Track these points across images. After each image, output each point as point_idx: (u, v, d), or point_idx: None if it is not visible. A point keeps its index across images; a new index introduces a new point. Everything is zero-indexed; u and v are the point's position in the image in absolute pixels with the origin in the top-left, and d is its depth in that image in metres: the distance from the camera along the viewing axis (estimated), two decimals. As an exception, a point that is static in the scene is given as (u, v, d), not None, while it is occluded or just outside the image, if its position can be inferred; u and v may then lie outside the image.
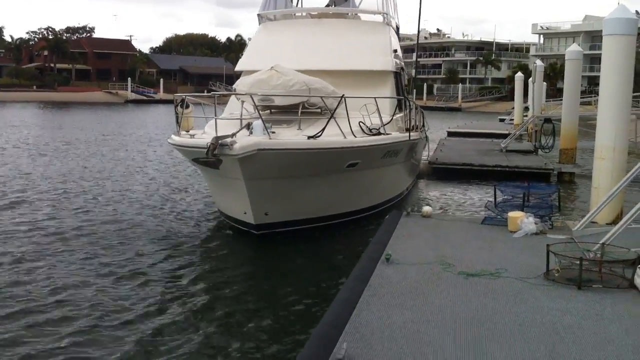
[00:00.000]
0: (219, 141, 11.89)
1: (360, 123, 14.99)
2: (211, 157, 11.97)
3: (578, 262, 9.31)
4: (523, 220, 12.57)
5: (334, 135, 13.80)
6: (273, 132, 12.94)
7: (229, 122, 13.81)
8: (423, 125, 20.74)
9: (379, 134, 15.58)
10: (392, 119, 17.15)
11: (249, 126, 12.97)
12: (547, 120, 32.17)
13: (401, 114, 18.69)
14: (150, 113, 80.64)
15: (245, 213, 13.81)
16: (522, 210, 13.23)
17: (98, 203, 19.41)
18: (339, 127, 13.91)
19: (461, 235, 12.54)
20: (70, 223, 16.47)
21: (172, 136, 15.22)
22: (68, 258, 13.28)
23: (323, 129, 13.48)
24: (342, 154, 14.27)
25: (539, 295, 8.86)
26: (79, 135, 44.73)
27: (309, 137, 13.38)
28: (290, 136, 13.64)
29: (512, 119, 55.40)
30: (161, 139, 39.68)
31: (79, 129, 51.11)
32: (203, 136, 14.13)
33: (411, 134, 18.21)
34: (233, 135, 12.28)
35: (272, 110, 15.38)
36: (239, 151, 12.03)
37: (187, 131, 14.86)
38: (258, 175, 12.93)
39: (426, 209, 14.21)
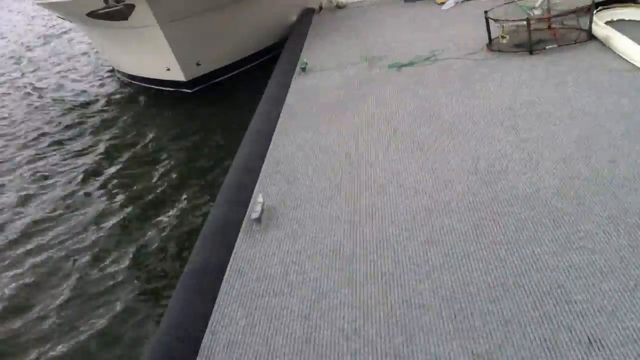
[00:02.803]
0: None
1: None
2: (114, 5, 8.70)
3: (525, 23, 7.55)
4: (451, -11, 10.56)
5: None
6: None
7: None
8: None
9: None
10: None
11: None
12: None
13: None
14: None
15: (168, 69, 10.30)
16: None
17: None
18: None
19: (384, 20, 10.50)
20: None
21: None
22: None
23: None
24: None
25: (487, 72, 7.16)
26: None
27: None
28: None
29: None
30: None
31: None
32: None
33: None
34: None
35: None
36: None
37: None
38: (175, 14, 9.52)
39: (340, -2, 11.95)
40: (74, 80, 13.90)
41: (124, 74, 12.31)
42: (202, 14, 9.77)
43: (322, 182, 5.26)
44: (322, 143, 6.06)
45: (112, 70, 13.44)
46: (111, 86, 12.78)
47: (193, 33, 9.71)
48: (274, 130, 6.61)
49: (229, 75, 10.88)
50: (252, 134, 6.58)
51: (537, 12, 8.20)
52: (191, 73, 10.21)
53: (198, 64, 10.21)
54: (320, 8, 12.01)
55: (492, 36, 8.01)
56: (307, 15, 11.58)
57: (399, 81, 7.45)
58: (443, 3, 10.52)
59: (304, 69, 8.39)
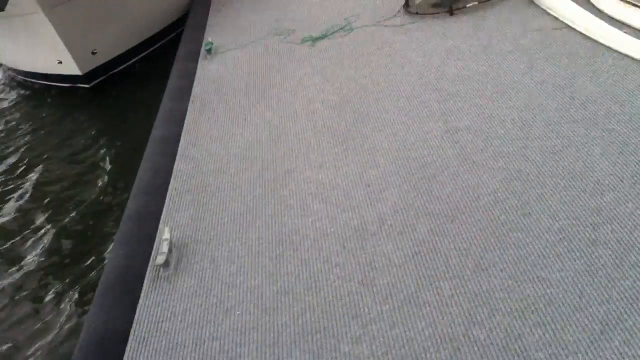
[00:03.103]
0: None
1: None
2: None
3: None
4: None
5: None
6: None
7: None
8: None
9: None
10: None
11: None
12: None
13: None
14: None
15: (60, 62, 8.79)
16: None
17: None
18: None
19: None
20: None
21: None
22: None
23: None
24: None
25: (407, 40, 6.49)
26: None
27: None
28: None
29: None
30: None
31: None
32: None
33: None
34: None
35: None
36: None
37: None
38: None
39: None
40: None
41: (13, 69, 10.72)
42: None
43: (238, 203, 4.57)
44: (236, 148, 5.33)
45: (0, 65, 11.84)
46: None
47: (84, 16, 8.35)
48: (180, 135, 5.81)
49: (132, 61, 9.53)
50: (156, 142, 5.76)
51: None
52: (87, 65, 8.79)
53: (94, 53, 8.80)
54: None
55: (408, -4, 7.35)
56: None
57: (313, 59, 6.71)
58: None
59: (209, 51, 7.50)
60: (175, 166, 5.28)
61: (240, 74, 6.83)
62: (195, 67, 7.27)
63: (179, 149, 5.54)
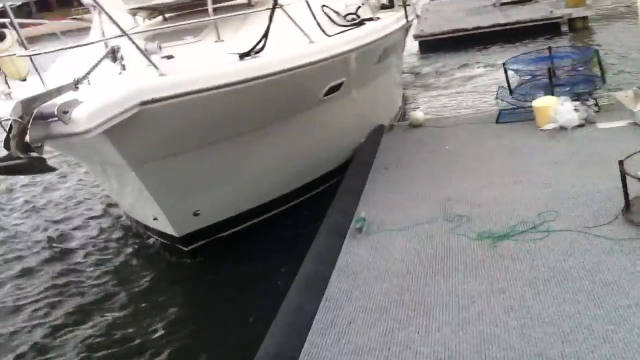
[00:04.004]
0: (34, 110, 4.50)
1: (325, 7, 7.63)
2: (17, 157, 4.64)
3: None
4: (557, 109, 7.92)
5: (286, 43, 6.33)
6: (169, 57, 5.93)
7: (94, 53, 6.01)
8: None
9: (360, 21, 8.01)
10: None
11: (114, 54, 5.65)
12: (544, -40, 26.01)
13: None
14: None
15: (155, 219, 7.18)
16: (551, 93, 8.49)
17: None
18: (295, 22, 6.28)
19: (471, 150, 7.81)
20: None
21: None
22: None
23: (266, 34, 5.75)
24: (321, 73, 6.95)
25: (628, 267, 4.45)
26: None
27: (242, 56, 5.88)
28: (205, 57, 6.22)
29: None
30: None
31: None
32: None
33: (405, 13, 10.11)
34: (75, 84, 4.96)
35: (158, 15, 8.41)
36: (84, 125, 4.62)
37: (23, 79, 7.33)
38: (154, 153, 6.15)
39: (416, 115, 9.44)
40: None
41: (130, 217, 9.05)
42: (203, 148, 6.49)
43: None
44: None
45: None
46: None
47: (184, 175, 6.58)
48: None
49: (247, 225, 7.59)
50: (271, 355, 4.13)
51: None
52: (185, 226, 7.05)
53: (196, 214, 7.00)
54: (392, 126, 9.54)
55: (630, 196, 5.33)
56: (374, 136, 8.99)
57: (492, 271, 4.84)
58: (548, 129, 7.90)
59: (360, 230, 5.94)
60: None
61: (392, 272, 5.14)
62: (339, 248, 5.70)
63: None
